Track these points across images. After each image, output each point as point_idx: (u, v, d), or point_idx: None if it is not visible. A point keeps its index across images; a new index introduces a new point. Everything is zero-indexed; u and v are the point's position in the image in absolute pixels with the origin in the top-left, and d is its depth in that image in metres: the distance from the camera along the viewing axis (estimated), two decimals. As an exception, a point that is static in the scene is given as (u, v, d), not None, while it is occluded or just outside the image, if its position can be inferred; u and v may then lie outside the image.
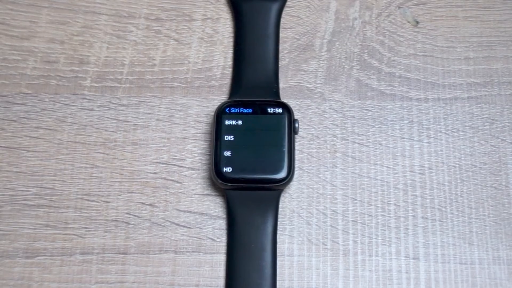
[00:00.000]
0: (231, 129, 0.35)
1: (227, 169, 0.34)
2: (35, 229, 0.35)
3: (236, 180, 0.34)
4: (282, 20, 0.40)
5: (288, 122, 0.35)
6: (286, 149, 0.35)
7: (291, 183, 0.36)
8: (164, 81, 0.38)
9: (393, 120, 0.38)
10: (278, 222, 0.35)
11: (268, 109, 0.36)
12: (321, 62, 0.39)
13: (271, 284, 0.33)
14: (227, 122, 0.35)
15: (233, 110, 0.36)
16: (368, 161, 0.37)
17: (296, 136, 0.37)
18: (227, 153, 0.35)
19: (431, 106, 0.38)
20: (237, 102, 0.36)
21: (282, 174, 0.34)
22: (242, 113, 0.35)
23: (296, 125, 0.35)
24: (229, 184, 0.34)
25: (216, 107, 0.36)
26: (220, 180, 0.34)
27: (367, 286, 0.34)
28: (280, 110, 0.35)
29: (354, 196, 0.36)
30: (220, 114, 0.35)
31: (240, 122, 0.35)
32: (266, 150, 0.35)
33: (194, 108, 0.38)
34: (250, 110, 0.36)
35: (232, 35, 0.40)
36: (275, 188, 0.35)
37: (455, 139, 0.37)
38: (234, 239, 0.34)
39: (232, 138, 0.35)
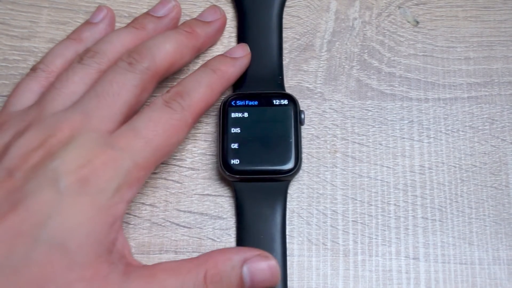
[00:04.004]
0: (238, 122, 0.35)
1: (235, 161, 0.34)
2: (35, 229, 0.35)
3: (244, 172, 0.34)
4: (283, 20, 0.40)
5: (294, 113, 0.35)
6: (292, 140, 0.35)
7: (292, 182, 0.36)
8: (165, 81, 0.38)
9: (393, 120, 0.38)
10: (278, 222, 0.35)
11: (274, 101, 0.36)
12: (321, 62, 0.39)
13: (281, 273, 0.33)
14: (233, 115, 0.35)
15: (238, 102, 0.36)
16: (368, 161, 0.37)
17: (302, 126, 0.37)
18: (234, 146, 0.35)
19: (431, 106, 0.38)
20: (243, 95, 0.36)
21: (290, 165, 0.34)
22: (248, 105, 0.36)
23: (302, 116, 0.36)
24: (237, 176, 0.35)
25: (218, 104, 0.36)
26: (228, 172, 0.35)
27: (367, 286, 0.34)
28: (285, 102, 0.36)
29: (354, 196, 0.36)
30: (226, 107, 0.36)
31: (246, 115, 0.35)
32: (273, 142, 0.35)
33: (194, 108, 0.38)
34: (256, 102, 0.36)
35: (232, 35, 0.40)
36: (283, 179, 0.35)
37: (455, 139, 0.37)
38: (243, 230, 0.34)
39: (239, 131, 0.35)
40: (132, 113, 0.32)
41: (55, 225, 0.27)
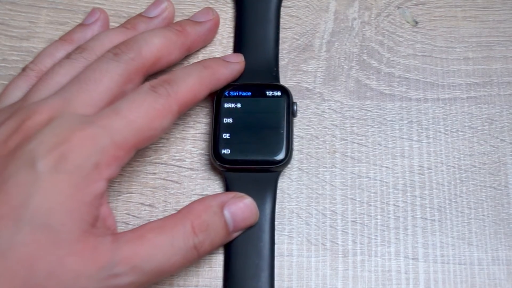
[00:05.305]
0: (230, 112, 0.35)
1: (226, 151, 0.35)
2: (34, 229, 0.35)
3: (235, 161, 0.35)
4: (282, 21, 0.40)
5: (287, 105, 0.35)
6: (284, 131, 0.35)
7: (291, 183, 0.36)
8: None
9: (392, 121, 0.38)
10: (277, 222, 0.35)
11: (267, 92, 0.36)
12: (320, 62, 0.39)
13: (269, 264, 0.34)
14: (226, 105, 0.36)
15: (232, 93, 0.36)
16: (367, 162, 0.37)
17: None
18: (226, 135, 0.35)
19: (430, 106, 0.38)
20: (236, 86, 0.36)
21: (280, 156, 0.34)
22: (241, 96, 0.36)
23: (295, 107, 0.36)
24: (227, 165, 0.35)
25: (213, 94, 0.36)
26: (218, 161, 0.35)
27: (366, 287, 0.34)
28: (278, 93, 0.36)
29: (353, 197, 0.36)
30: (219, 97, 0.36)
31: (239, 105, 0.36)
32: (265, 133, 0.35)
33: (193, 108, 0.38)
34: (249, 93, 0.36)
35: (231, 35, 0.40)
36: (273, 170, 0.35)
37: (454, 139, 0.37)
38: None
39: (231, 121, 0.35)
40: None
41: (35, 205, 0.27)
